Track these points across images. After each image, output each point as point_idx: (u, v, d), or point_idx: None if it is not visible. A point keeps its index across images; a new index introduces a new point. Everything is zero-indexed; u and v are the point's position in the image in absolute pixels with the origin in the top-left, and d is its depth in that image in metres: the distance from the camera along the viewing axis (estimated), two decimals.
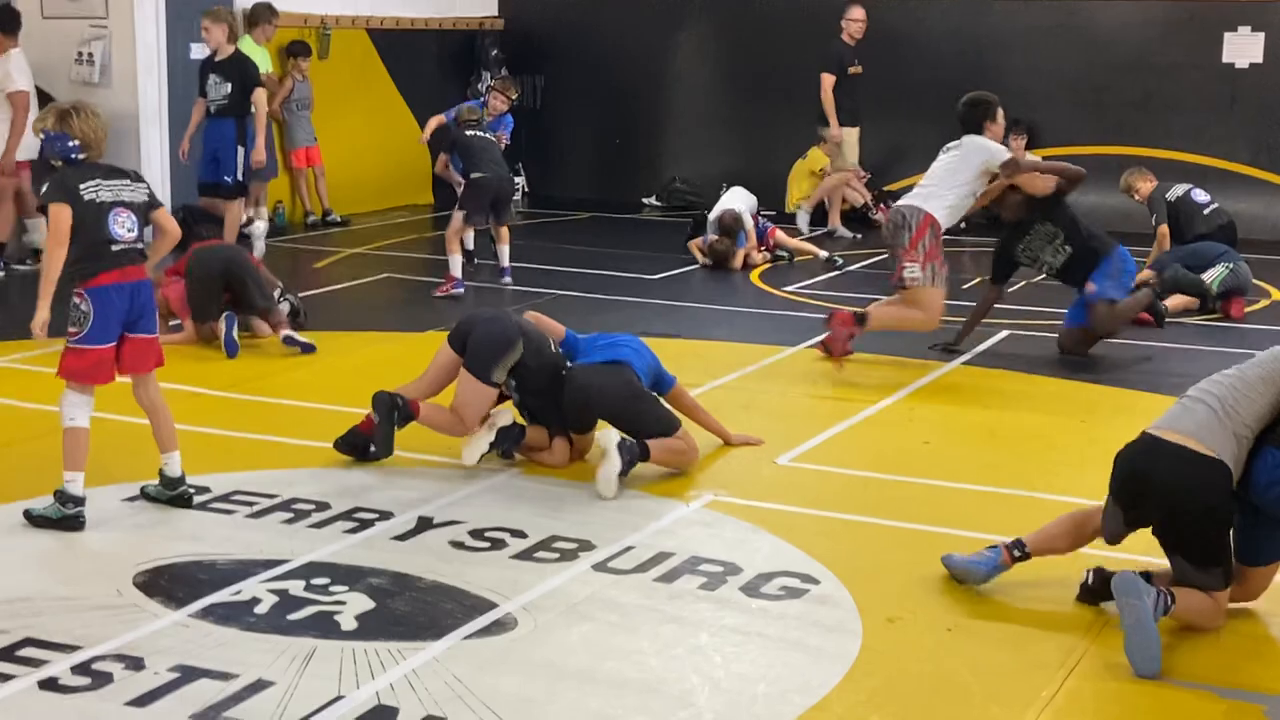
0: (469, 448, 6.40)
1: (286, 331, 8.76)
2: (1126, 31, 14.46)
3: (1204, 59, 14.22)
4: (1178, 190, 11.44)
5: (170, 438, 5.95)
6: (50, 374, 7.77)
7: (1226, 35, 14.14)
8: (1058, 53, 14.58)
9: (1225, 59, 14.19)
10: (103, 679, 4.35)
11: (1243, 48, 14.15)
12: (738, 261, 12.08)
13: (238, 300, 8.87)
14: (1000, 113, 8.87)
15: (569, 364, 6.62)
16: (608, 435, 6.21)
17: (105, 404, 7.21)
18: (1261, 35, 14.03)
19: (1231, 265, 10.37)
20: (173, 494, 5.95)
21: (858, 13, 13.62)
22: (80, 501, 5.71)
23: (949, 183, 8.56)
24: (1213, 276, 10.37)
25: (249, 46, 13.22)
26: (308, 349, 8.70)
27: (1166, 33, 14.38)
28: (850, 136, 13.65)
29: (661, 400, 6.62)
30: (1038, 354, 9.07)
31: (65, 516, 5.68)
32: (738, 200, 12.47)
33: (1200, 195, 11.40)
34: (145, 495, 6.02)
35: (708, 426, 6.86)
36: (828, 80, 13.44)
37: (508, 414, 6.52)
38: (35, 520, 5.71)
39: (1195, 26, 14.27)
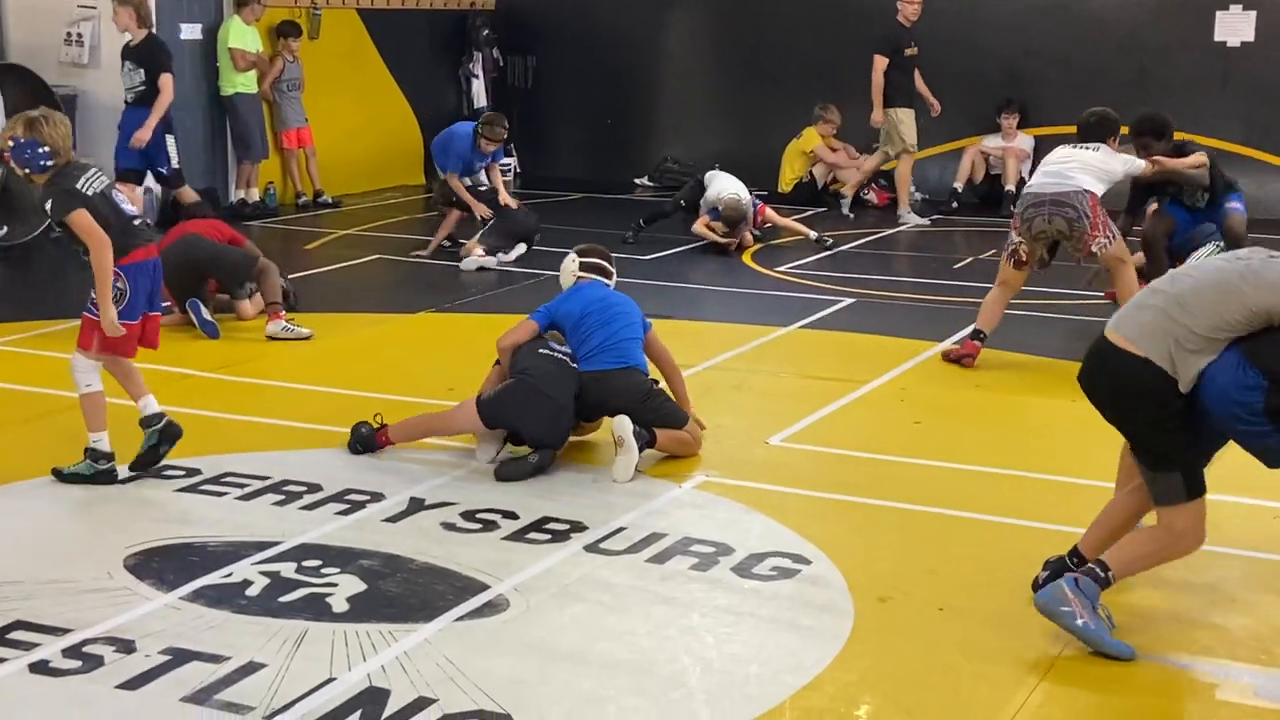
0: (619, 466, 6.19)
1: (273, 326, 8.59)
2: (1119, 11, 14.43)
3: (1196, 38, 14.19)
4: None
5: (143, 382, 6.19)
6: (40, 356, 7.76)
7: (1218, 14, 14.11)
8: (1050, 32, 14.55)
9: (1217, 38, 14.17)
10: (94, 662, 4.35)
11: (1234, 26, 14.12)
12: (745, 239, 12.07)
13: (223, 288, 8.89)
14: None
15: (571, 362, 6.49)
16: (624, 424, 6.19)
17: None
18: (1253, 14, 14.00)
19: (1221, 246, 10.36)
20: (159, 427, 6.10)
21: None
22: (110, 457, 5.98)
23: (1096, 172, 8.48)
24: (1201, 256, 10.37)
25: (238, 27, 13.20)
26: (210, 330, 8.57)
27: (1159, 12, 14.35)
28: (907, 118, 13.37)
29: (668, 396, 6.61)
30: (1028, 334, 9.06)
31: (99, 472, 5.95)
32: (732, 182, 12.45)
33: None
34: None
35: (672, 384, 6.74)
36: (879, 63, 13.15)
37: (625, 420, 6.29)
38: (66, 478, 5.94)
39: (1187, 5, 14.24)
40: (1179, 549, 4.65)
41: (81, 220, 5.85)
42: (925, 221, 13.59)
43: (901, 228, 13.37)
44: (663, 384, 6.72)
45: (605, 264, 6.93)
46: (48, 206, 5.95)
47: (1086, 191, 8.31)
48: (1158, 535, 4.64)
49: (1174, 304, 4.53)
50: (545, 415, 6.25)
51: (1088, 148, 8.58)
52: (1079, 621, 4.50)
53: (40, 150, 5.89)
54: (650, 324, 6.77)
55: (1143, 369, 4.50)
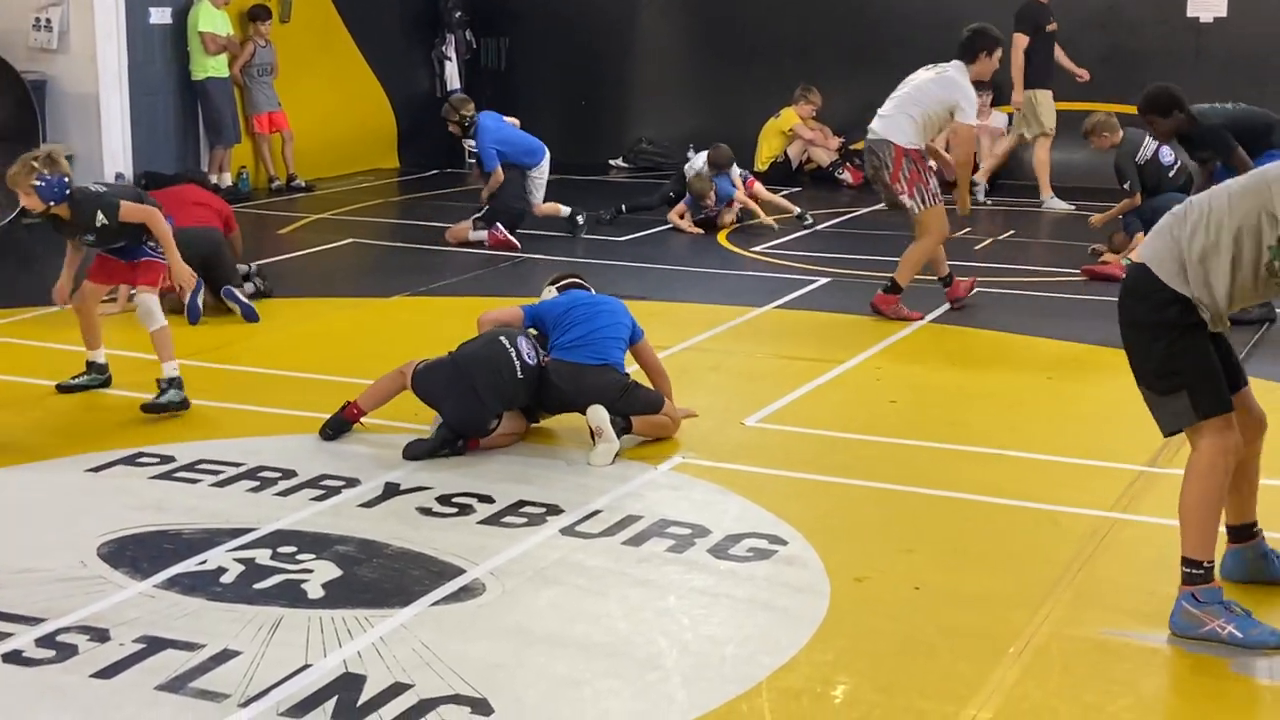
0: (598, 453, 6.15)
1: (228, 287, 8.60)
2: None
3: (1169, 13, 14.22)
4: (1146, 152, 11.41)
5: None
6: (9, 344, 7.72)
7: None
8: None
9: (1190, 13, 14.20)
10: (67, 651, 4.32)
11: (1207, 2, 14.14)
12: (725, 217, 12.04)
13: (210, 277, 8.77)
14: (999, 53, 8.84)
15: (548, 356, 6.44)
16: (599, 414, 6.16)
17: (60, 374, 7.17)
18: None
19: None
20: (104, 378, 7.09)
21: None
22: (182, 383, 6.80)
23: (907, 109, 8.68)
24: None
25: (207, 10, 13.12)
26: (249, 314, 8.56)
27: None
28: (1046, 99, 13.11)
29: (644, 385, 6.54)
30: (1003, 312, 9.08)
31: (184, 399, 6.76)
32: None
33: (1167, 156, 11.40)
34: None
35: (660, 386, 6.70)
36: (1020, 41, 12.79)
37: (601, 410, 6.23)
38: (163, 407, 6.67)
39: None
40: (1219, 475, 4.44)
41: (134, 210, 6.77)
42: (1070, 207, 13.04)
43: (1044, 212, 13.07)
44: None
45: (581, 280, 6.90)
46: (101, 221, 6.73)
47: (888, 142, 8.57)
48: (1192, 477, 4.48)
49: (1175, 219, 4.48)
50: (467, 407, 6.17)
51: (935, 69, 8.67)
52: (1226, 633, 4.41)
53: (65, 181, 6.72)
54: (643, 333, 6.68)
55: (1138, 273, 4.50)
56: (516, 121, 11.81)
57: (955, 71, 8.73)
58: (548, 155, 11.54)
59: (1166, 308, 4.43)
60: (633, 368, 6.68)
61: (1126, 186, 11.07)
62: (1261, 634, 4.42)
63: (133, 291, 7.18)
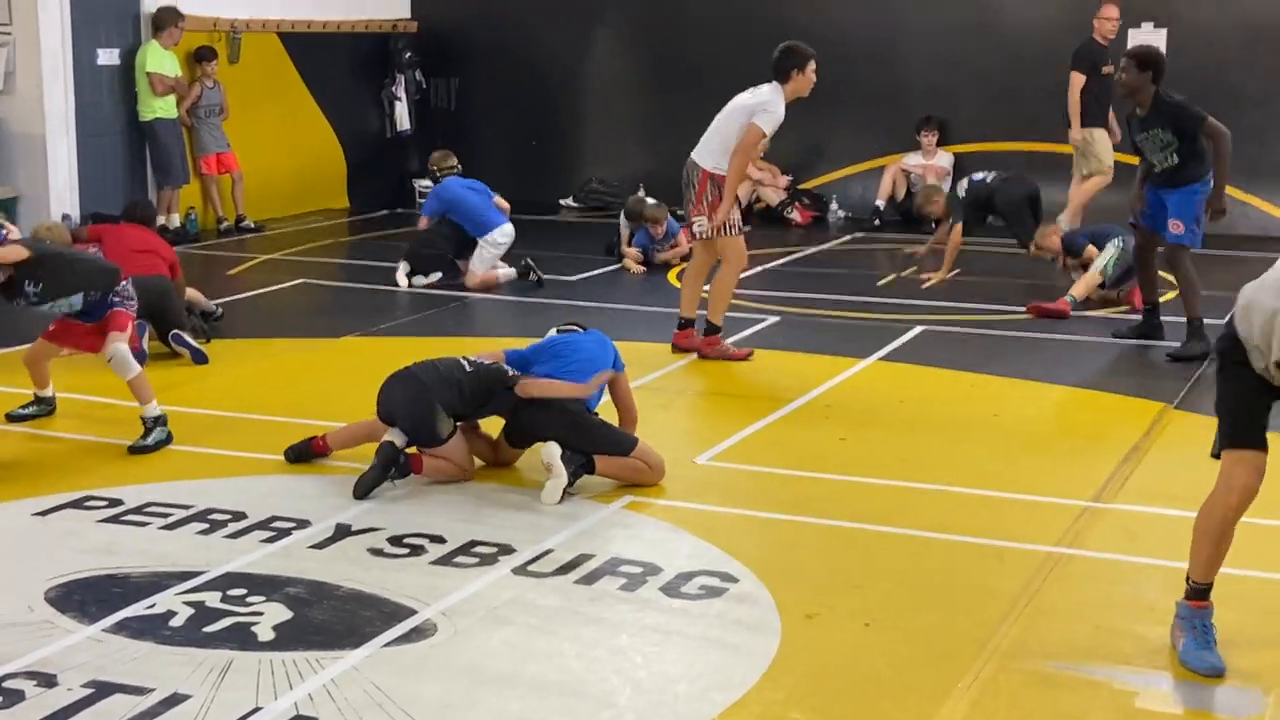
0: (547, 491, 6.14)
1: (176, 332, 8.60)
2: (1036, 27, 14.65)
3: (1110, 55, 14.41)
4: (961, 187, 11.86)
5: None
6: None
7: (1131, 31, 14.33)
8: (970, 49, 14.75)
9: None
10: (14, 697, 4.28)
11: (1147, 43, 14.35)
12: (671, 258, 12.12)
13: (158, 324, 8.70)
14: (812, 66, 8.86)
15: (514, 377, 6.45)
16: (551, 450, 6.16)
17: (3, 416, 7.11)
18: (1164, 31, 14.26)
19: (1122, 247, 10.32)
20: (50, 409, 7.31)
21: (1111, 11, 13.08)
22: (166, 420, 6.95)
23: (720, 132, 8.84)
24: (1105, 259, 10.38)
25: (155, 51, 13.08)
26: (198, 357, 8.55)
27: (1075, 29, 14.50)
28: (1103, 138, 13.02)
29: (610, 424, 6.47)
30: (950, 350, 9.16)
31: (168, 435, 6.92)
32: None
33: (977, 175, 11.82)
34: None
35: (622, 423, 6.72)
36: (1077, 80, 12.81)
37: (554, 446, 6.22)
38: (150, 449, 6.79)
39: None
40: (1217, 506, 4.57)
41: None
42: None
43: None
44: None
45: (581, 327, 6.95)
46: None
47: (694, 168, 8.76)
48: (1205, 501, 4.62)
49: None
50: (415, 401, 6.19)
51: (750, 90, 8.85)
52: (1180, 645, 4.61)
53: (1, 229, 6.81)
54: (624, 367, 6.70)
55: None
56: (505, 205, 11.78)
57: (769, 89, 8.83)
58: (504, 231, 11.47)
59: (1224, 339, 4.63)
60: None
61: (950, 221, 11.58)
62: (1196, 658, 4.54)
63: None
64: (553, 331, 6.92)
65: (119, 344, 6.85)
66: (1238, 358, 4.57)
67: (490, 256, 11.33)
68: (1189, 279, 8.88)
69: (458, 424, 6.35)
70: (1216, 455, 4.66)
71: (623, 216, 12.50)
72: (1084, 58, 13.12)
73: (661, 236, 12.17)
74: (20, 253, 6.69)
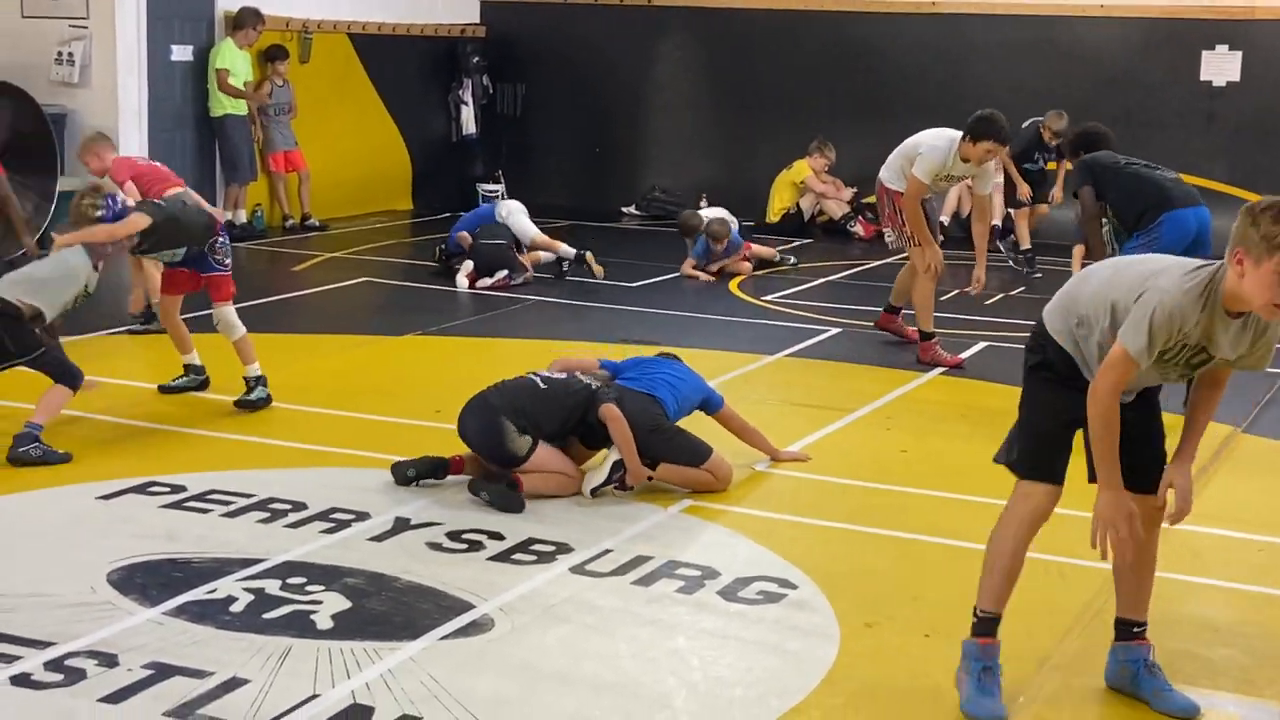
0: (586, 480, 6.20)
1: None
2: (1106, 47, 14.55)
3: (1183, 77, 14.32)
4: None
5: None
6: (18, 371, 7.76)
7: (1205, 54, 14.24)
8: (1036, 68, 14.65)
9: (1203, 77, 14.29)
10: (76, 675, 4.32)
11: (1221, 66, 14.24)
12: (737, 266, 12.15)
13: None
14: (991, 143, 8.75)
15: (603, 386, 6.42)
16: (613, 451, 6.18)
17: (73, 402, 7.18)
18: (1239, 54, 14.14)
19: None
20: (201, 379, 7.70)
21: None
22: (264, 379, 7.42)
23: (896, 160, 9.22)
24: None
25: (229, 50, 13.20)
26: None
27: (1145, 50, 14.47)
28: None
29: (687, 432, 6.39)
30: (1013, 366, 9.06)
31: (267, 395, 7.37)
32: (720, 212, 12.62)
33: None
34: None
35: (755, 445, 6.74)
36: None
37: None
38: (253, 404, 7.31)
39: (1174, 44, 14.36)
40: (1017, 529, 4.39)
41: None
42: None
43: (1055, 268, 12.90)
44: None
45: (675, 355, 6.98)
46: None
47: (880, 183, 9.24)
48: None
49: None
50: (480, 426, 6.16)
51: (940, 129, 9.09)
52: (963, 691, 4.35)
53: (117, 199, 7.27)
54: (722, 400, 6.67)
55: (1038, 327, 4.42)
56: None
57: (948, 140, 8.92)
58: (505, 205, 11.94)
59: (1037, 350, 4.48)
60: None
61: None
62: (977, 705, 4.28)
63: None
64: (654, 353, 6.94)
65: (223, 308, 7.43)
66: (1048, 372, 4.34)
67: (525, 223, 11.69)
68: None
69: (538, 440, 6.17)
70: (1000, 462, 4.46)
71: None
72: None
73: (723, 251, 12.12)
74: (143, 221, 7.12)
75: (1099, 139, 8.56)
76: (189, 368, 7.67)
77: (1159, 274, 4.08)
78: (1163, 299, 3.97)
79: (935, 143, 8.95)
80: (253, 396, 7.34)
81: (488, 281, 11.20)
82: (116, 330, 9.11)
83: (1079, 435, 4.38)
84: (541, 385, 6.29)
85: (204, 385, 7.67)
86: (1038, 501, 4.38)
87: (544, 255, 11.80)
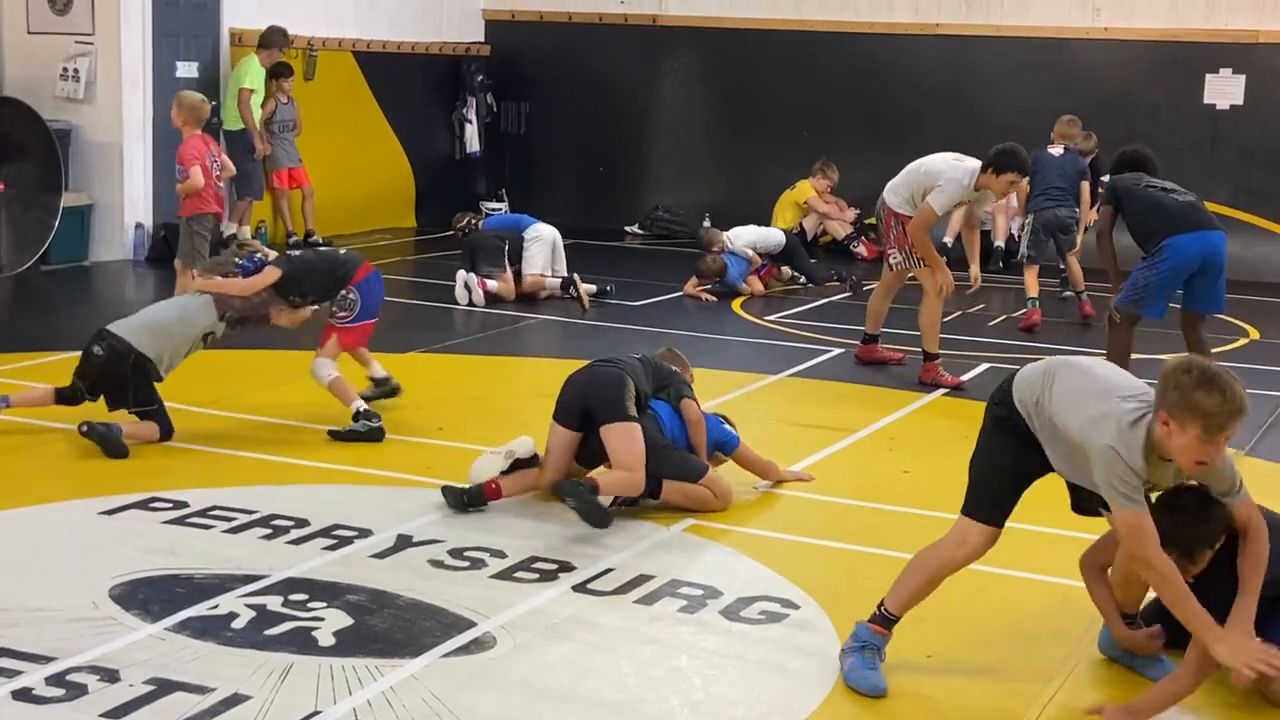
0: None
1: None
2: (1110, 70, 14.58)
3: (1186, 100, 14.35)
4: None
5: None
6: (29, 387, 7.75)
7: (1208, 77, 14.28)
8: (1040, 90, 14.67)
9: (1206, 100, 14.33)
10: (77, 690, 4.32)
11: (1224, 89, 14.28)
12: (755, 287, 12.25)
13: None
14: (1015, 175, 8.76)
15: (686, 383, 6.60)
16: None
17: (76, 417, 7.19)
18: (1242, 78, 14.17)
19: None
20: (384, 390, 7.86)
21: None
22: (375, 415, 7.29)
23: (906, 184, 9.17)
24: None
25: (254, 66, 13.23)
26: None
27: (1149, 72, 14.50)
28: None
29: (683, 450, 6.37)
30: None
31: (372, 429, 7.20)
32: (749, 236, 12.61)
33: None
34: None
35: (767, 475, 6.74)
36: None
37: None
38: (344, 436, 7.18)
39: (1178, 67, 14.39)
40: (951, 557, 4.70)
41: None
42: None
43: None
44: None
45: None
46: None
47: (884, 204, 9.19)
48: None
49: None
50: (602, 381, 6.19)
51: (957, 156, 9.03)
52: (846, 664, 4.62)
53: (257, 257, 7.57)
54: (738, 441, 6.62)
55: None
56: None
57: (966, 171, 8.85)
58: (537, 228, 11.83)
59: (1002, 404, 4.70)
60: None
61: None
62: (861, 677, 4.54)
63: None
64: None
65: (317, 360, 7.47)
66: (1012, 424, 4.52)
67: (536, 255, 11.45)
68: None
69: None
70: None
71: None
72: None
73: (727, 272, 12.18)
74: (273, 275, 7.36)
75: (1140, 161, 8.54)
76: (375, 380, 7.89)
77: (1099, 421, 4.24)
78: (1122, 461, 4.15)
79: (954, 175, 8.81)
80: (345, 428, 7.26)
81: (483, 282, 11.22)
82: None
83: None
84: (647, 362, 6.48)
85: (394, 393, 7.90)
86: (975, 543, 4.61)
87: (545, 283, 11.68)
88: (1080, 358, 4.70)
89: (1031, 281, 11.35)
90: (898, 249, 9.14)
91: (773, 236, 12.78)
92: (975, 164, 8.85)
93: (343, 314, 7.56)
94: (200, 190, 9.72)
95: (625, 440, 6.07)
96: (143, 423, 7.00)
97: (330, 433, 7.24)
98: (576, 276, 11.54)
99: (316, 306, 7.64)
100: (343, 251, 8.12)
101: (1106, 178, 9.77)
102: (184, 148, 9.80)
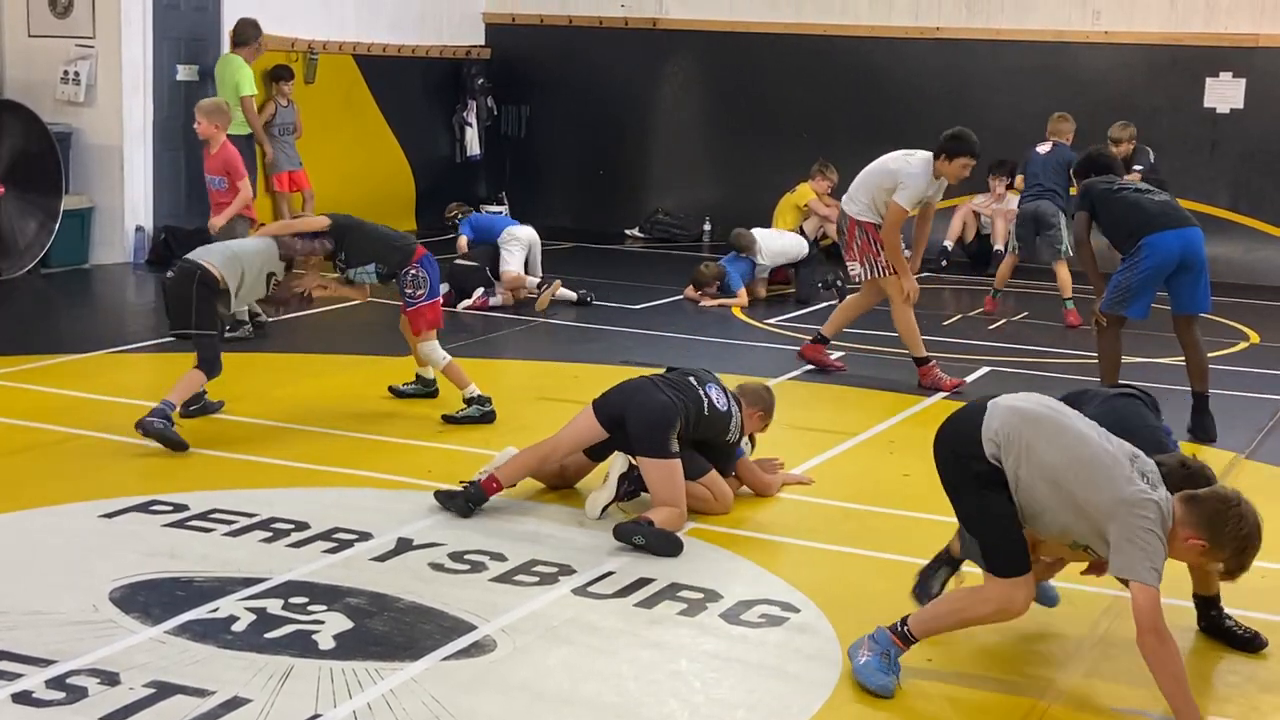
0: (591, 502, 6.20)
1: None
2: (1110, 74, 14.58)
3: (1186, 103, 14.35)
4: None
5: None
6: (27, 390, 7.76)
7: (1208, 80, 14.28)
8: (1040, 93, 14.66)
9: (1207, 104, 14.33)
10: (77, 693, 4.31)
11: (1224, 93, 14.28)
12: (758, 293, 12.30)
13: None
14: (966, 158, 8.78)
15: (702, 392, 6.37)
16: (616, 463, 6.18)
17: (76, 420, 7.20)
18: (1243, 81, 14.17)
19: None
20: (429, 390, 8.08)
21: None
22: (487, 400, 7.61)
23: (865, 187, 9.10)
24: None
25: (247, 70, 13.19)
26: None
27: (1150, 76, 14.51)
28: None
29: (687, 450, 6.28)
30: (1016, 391, 9.04)
31: (485, 412, 7.57)
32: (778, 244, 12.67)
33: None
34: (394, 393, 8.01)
35: (762, 493, 6.68)
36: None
37: (622, 460, 6.23)
38: (458, 420, 7.51)
39: (1178, 71, 14.40)
40: (993, 612, 4.65)
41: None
42: None
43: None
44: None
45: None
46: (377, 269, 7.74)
47: (845, 215, 9.12)
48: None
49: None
50: (650, 407, 6.05)
51: (905, 153, 9.00)
52: (862, 660, 4.64)
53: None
54: (741, 453, 6.57)
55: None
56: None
57: (920, 161, 8.89)
58: (513, 230, 11.79)
59: (981, 462, 4.74)
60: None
61: None
62: (872, 676, 4.57)
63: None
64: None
65: (421, 343, 7.76)
66: (992, 476, 4.58)
67: (513, 254, 11.51)
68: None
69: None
70: (970, 559, 4.77)
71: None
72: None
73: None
74: (321, 221, 7.66)
75: (1104, 164, 8.52)
76: (419, 378, 8.12)
77: (1135, 506, 4.34)
78: (1161, 546, 4.34)
79: (912, 170, 8.83)
80: (458, 414, 7.57)
81: (466, 303, 11.23)
82: (120, 349, 9.11)
83: None
84: (705, 412, 6.22)
85: (432, 395, 8.06)
86: (1024, 596, 4.59)
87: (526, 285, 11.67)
88: (1037, 409, 4.75)
89: (1004, 272, 11.85)
90: (859, 260, 9.00)
91: (798, 244, 12.78)
92: (927, 155, 8.86)
93: (419, 292, 7.67)
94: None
95: (666, 481, 6.03)
96: (188, 375, 7.07)
97: (444, 417, 7.56)
98: (558, 280, 11.54)
99: (355, 284, 7.87)
100: (397, 233, 8.19)
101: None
102: (230, 155, 9.62)
